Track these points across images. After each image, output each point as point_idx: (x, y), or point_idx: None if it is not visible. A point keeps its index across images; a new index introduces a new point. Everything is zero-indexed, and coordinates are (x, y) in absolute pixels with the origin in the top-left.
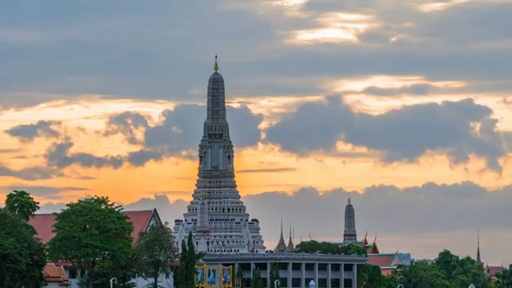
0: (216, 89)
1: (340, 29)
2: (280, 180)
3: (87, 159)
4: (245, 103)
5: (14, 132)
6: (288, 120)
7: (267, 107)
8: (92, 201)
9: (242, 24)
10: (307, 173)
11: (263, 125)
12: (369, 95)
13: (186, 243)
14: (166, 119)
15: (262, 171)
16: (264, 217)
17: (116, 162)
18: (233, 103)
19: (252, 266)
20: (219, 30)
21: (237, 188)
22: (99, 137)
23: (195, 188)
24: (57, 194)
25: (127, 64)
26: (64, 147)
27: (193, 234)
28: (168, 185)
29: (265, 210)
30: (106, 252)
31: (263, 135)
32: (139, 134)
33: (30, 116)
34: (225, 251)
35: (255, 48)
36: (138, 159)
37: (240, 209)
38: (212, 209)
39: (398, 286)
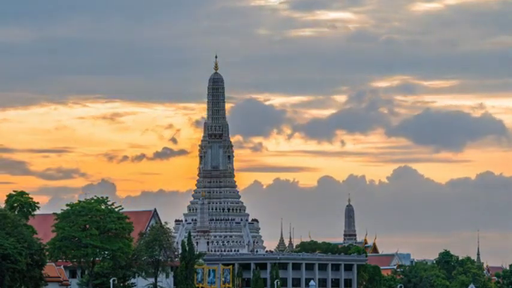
0: (216, 88)
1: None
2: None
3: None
4: (242, 100)
5: (32, 131)
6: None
7: (262, 105)
8: (92, 201)
9: (235, 23)
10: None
11: (266, 121)
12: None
13: (186, 243)
14: (172, 118)
15: (276, 167)
16: (265, 217)
17: (135, 159)
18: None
19: (252, 266)
20: (215, 29)
21: (237, 188)
22: (109, 137)
23: (195, 187)
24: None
25: (126, 64)
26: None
27: (193, 234)
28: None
29: (265, 209)
30: (106, 252)
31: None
32: (150, 133)
33: (42, 115)
34: (225, 251)
35: (247, 47)
36: (157, 156)
37: (240, 209)
38: (212, 209)
39: (398, 286)
